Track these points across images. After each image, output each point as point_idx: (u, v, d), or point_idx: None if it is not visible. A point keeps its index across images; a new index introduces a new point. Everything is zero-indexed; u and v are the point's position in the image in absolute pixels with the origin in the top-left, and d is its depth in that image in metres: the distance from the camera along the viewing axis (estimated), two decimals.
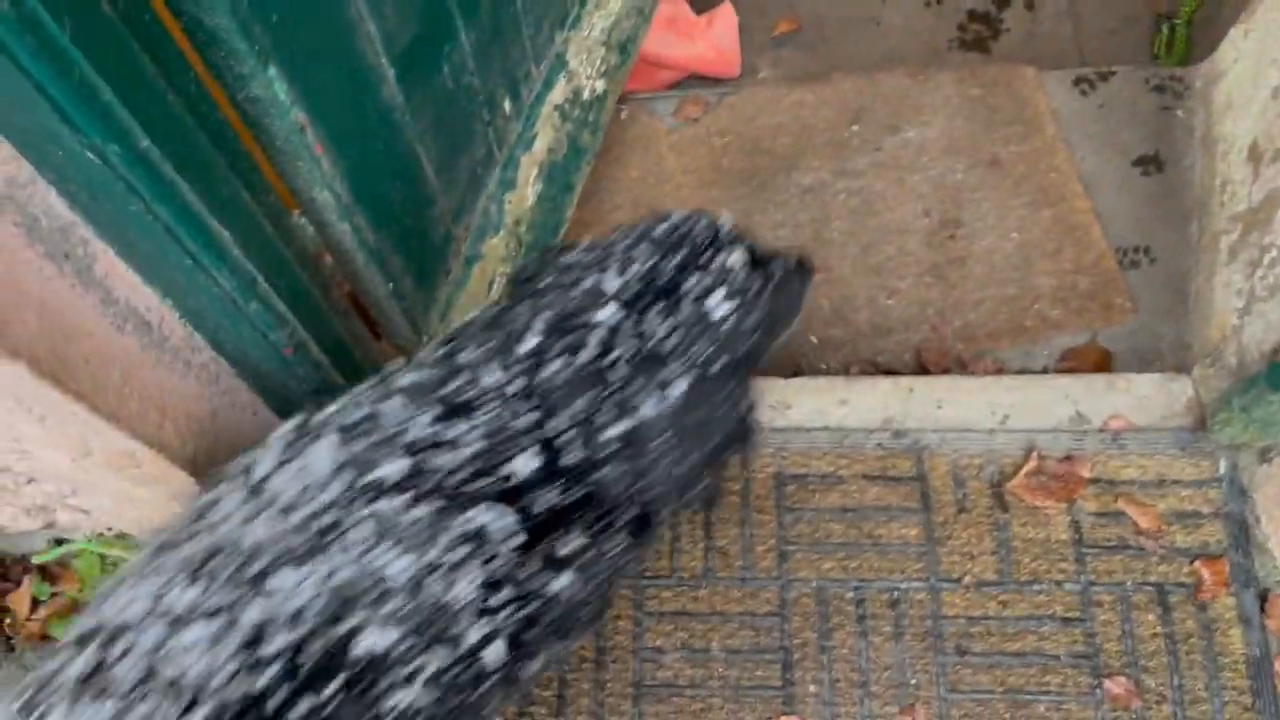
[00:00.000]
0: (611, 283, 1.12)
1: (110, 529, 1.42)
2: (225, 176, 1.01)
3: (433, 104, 1.34)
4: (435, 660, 1.01)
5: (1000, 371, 1.77)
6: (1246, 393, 1.47)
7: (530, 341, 1.09)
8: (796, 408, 1.70)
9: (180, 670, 0.89)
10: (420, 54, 1.27)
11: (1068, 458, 1.62)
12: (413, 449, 1.02)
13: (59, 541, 1.51)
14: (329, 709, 0.92)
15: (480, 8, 1.38)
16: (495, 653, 1.05)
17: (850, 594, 1.57)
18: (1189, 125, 1.92)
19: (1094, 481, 1.61)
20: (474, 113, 1.48)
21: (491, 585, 1.03)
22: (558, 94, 1.72)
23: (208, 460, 1.21)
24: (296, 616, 0.93)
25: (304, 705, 0.90)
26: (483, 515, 1.03)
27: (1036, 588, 1.55)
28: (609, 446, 1.09)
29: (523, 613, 1.07)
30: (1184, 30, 2.20)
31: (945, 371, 1.78)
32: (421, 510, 1.00)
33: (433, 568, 1.00)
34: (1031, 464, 1.62)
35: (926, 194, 1.92)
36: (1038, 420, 1.66)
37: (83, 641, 0.90)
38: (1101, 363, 1.77)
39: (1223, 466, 1.59)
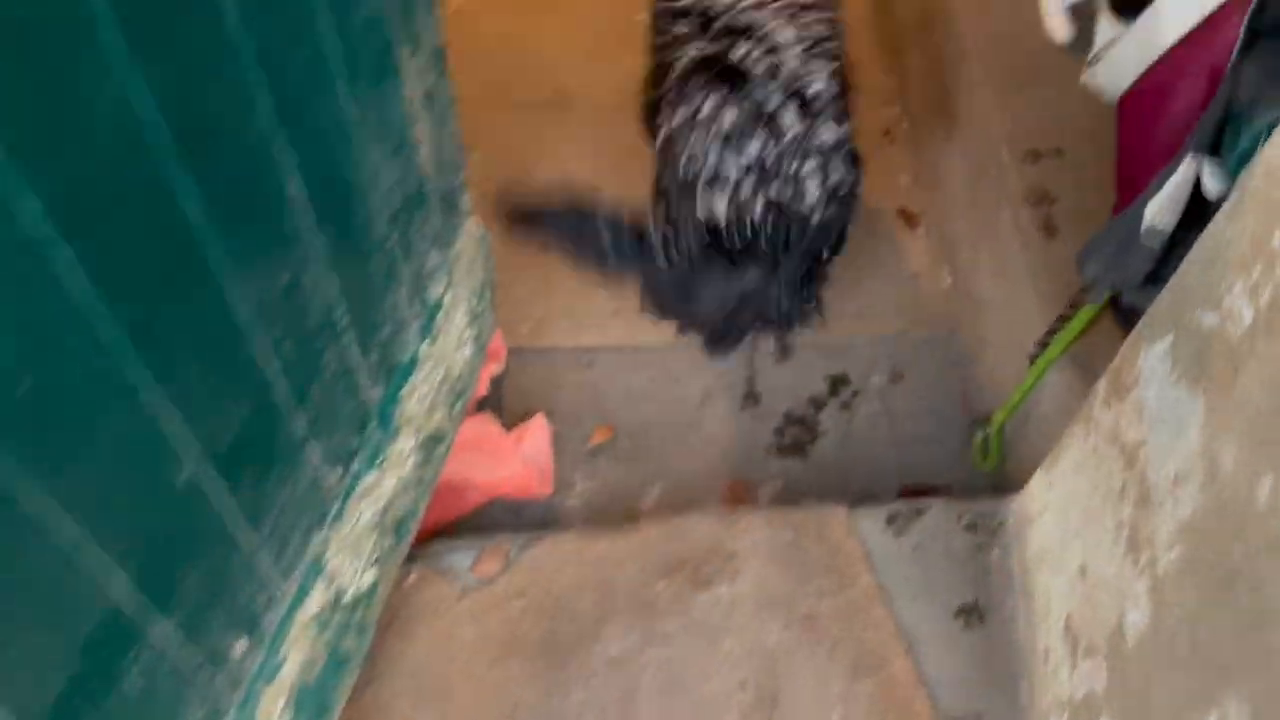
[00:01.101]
0: None
1: None
2: None
3: (115, 709, 1.13)
4: None
5: None
6: None
7: None
8: None
9: None
10: (87, 671, 1.07)
11: None
12: None
13: None
14: None
15: (180, 589, 1.20)
16: None
17: None
18: (1006, 568, 1.84)
19: None
20: (183, 683, 1.27)
21: None
22: (313, 604, 1.53)
23: None
24: None
25: None
26: None
27: None
28: None
29: None
30: (997, 438, 2.17)
31: None
32: None
33: None
34: None
35: (741, 661, 1.76)
36: None
37: None
38: None
39: None
